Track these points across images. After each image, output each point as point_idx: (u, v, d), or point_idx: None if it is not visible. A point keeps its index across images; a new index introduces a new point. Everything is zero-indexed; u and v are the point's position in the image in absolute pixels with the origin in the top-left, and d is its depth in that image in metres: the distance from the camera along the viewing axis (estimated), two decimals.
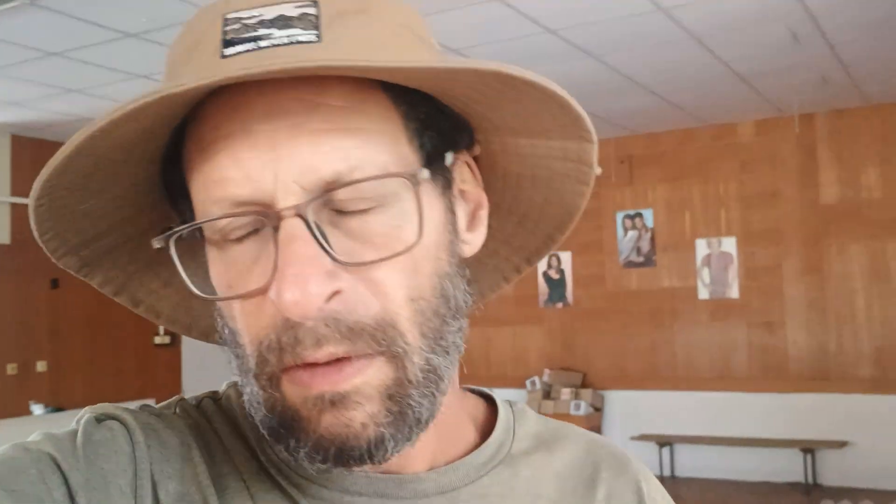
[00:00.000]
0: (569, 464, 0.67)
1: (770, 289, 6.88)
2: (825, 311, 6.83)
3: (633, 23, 4.61)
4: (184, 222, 0.54)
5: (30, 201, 0.52)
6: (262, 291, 0.50)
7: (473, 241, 0.61)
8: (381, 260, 0.51)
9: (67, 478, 0.52)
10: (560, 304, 7.68)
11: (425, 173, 0.53)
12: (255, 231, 0.52)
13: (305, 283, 0.48)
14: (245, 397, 0.55)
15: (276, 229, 0.49)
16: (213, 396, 0.64)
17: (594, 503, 0.65)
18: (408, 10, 0.57)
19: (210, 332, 0.64)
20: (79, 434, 0.55)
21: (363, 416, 0.51)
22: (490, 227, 0.63)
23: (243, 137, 0.50)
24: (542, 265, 6.61)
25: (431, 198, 0.55)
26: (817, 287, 6.73)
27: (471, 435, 0.65)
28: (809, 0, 4.26)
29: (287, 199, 0.49)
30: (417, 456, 0.59)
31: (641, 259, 7.29)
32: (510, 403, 0.69)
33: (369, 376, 0.51)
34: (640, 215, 7.34)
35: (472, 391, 0.70)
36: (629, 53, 5.18)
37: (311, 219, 0.49)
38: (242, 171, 0.50)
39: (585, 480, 0.66)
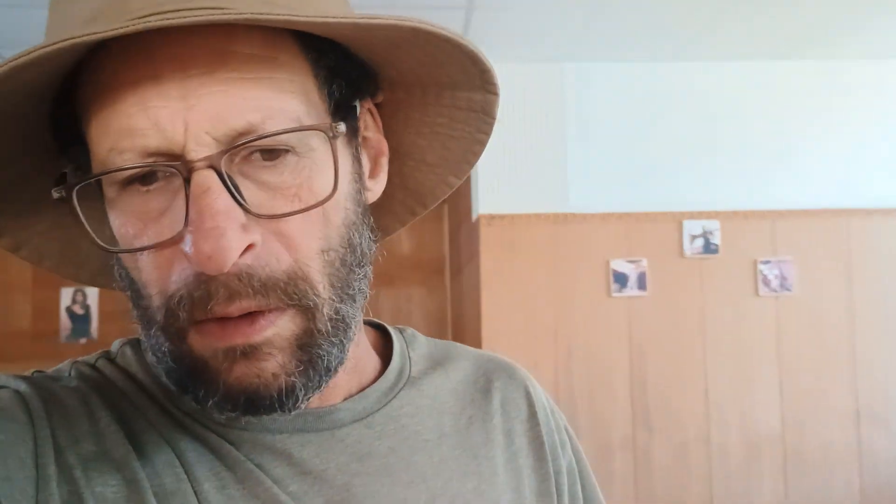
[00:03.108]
0: (463, 378, 0.71)
1: None
2: None
3: None
4: (77, 168, 0.53)
5: None
6: (174, 243, 0.49)
7: (375, 188, 0.62)
8: (296, 212, 0.51)
9: None
10: (84, 340, 6.20)
11: (342, 126, 0.53)
12: (162, 181, 0.50)
13: (221, 237, 0.46)
14: (150, 349, 0.54)
15: (187, 181, 0.47)
16: (107, 356, 0.62)
17: (491, 409, 0.69)
18: None
19: (98, 274, 0.67)
20: None
21: (274, 367, 0.51)
22: (388, 171, 0.64)
23: (151, 84, 0.48)
24: (65, 299, 5.39)
25: (341, 148, 0.55)
26: None
27: (374, 363, 0.67)
28: None
29: (199, 151, 0.48)
30: (332, 389, 0.61)
31: None
32: (400, 330, 0.72)
33: (280, 327, 0.51)
34: None
35: (365, 322, 0.70)
36: None
37: (223, 170, 0.48)
38: (151, 120, 0.48)
39: (481, 391, 0.70)
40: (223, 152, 0.48)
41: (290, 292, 0.51)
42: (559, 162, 3.68)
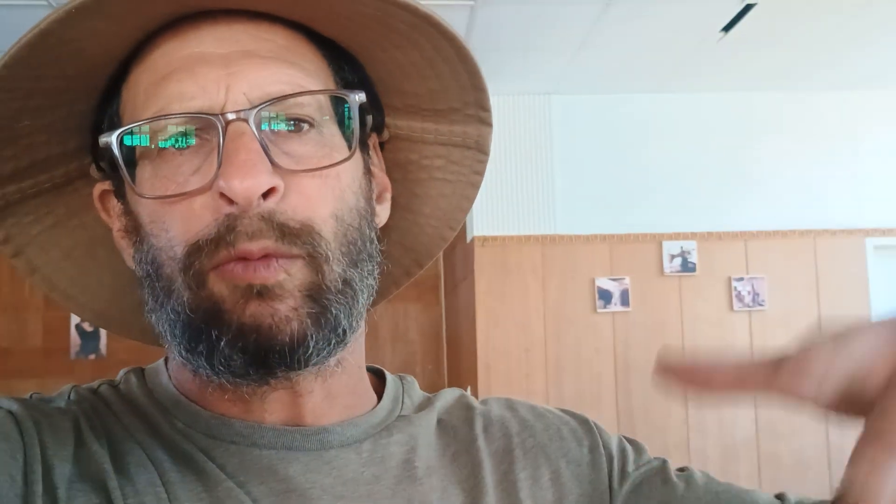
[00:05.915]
0: (445, 410, 0.69)
1: None
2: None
3: None
4: (111, 164, 0.58)
5: None
6: (206, 189, 0.53)
7: (381, 213, 0.64)
8: (313, 170, 0.55)
9: None
10: (93, 356, 6.39)
11: (362, 95, 0.57)
12: (196, 144, 0.54)
13: (253, 167, 0.51)
14: (166, 321, 0.56)
15: (223, 133, 0.52)
16: (111, 382, 0.64)
17: (473, 435, 0.67)
18: None
19: (103, 315, 0.69)
20: None
21: (287, 309, 0.53)
22: (385, 225, 0.65)
23: (199, 57, 0.55)
24: (75, 317, 5.16)
25: (356, 145, 0.57)
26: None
27: (371, 399, 0.67)
28: None
29: (236, 107, 0.53)
30: (327, 411, 0.61)
31: None
32: (401, 376, 0.72)
33: (291, 275, 0.54)
34: None
35: (368, 368, 0.71)
36: None
37: (254, 126, 0.52)
38: (199, 84, 0.54)
39: (463, 420, 0.69)
40: (257, 108, 0.53)
41: (304, 240, 0.54)
42: (547, 187, 4.05)
